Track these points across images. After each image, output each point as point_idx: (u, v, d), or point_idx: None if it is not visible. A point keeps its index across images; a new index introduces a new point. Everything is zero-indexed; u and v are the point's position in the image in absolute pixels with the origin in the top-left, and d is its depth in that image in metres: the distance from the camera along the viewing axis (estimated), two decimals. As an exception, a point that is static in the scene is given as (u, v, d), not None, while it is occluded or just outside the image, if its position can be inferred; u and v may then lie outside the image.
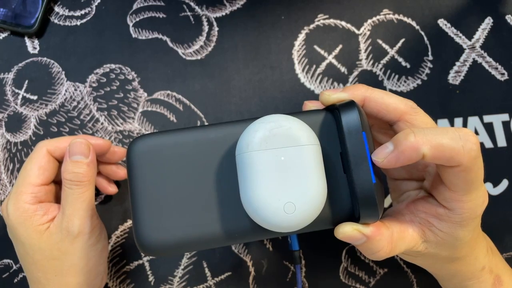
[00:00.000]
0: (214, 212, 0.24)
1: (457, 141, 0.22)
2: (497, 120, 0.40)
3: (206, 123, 0.39)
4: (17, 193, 0.31)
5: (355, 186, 0.23)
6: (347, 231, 0.24)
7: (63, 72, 0.40)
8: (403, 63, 0.40)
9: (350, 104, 0.24)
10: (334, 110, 0.25)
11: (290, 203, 0.22)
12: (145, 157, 0.24)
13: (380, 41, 0.41)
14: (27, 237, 0.30)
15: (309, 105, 0.28)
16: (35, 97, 0.39)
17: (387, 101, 0.26)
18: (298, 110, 0.30)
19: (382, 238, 0.24)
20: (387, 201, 0.37)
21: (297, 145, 0.22)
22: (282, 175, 0.22)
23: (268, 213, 0.22)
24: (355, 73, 0.40)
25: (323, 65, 0.40)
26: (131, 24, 0.41)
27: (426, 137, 0.22)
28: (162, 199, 0.24)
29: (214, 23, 0.41)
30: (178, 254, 0.22)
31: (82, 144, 0.31)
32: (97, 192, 0.38)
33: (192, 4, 0.41)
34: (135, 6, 0.41)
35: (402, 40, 0.41)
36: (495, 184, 0.38)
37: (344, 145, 0.24)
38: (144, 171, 0.24)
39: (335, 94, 0.26)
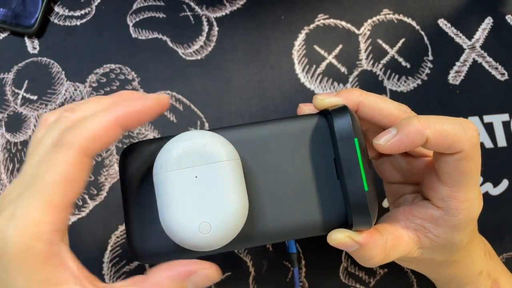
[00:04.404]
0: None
1: (459, 127, 0.23)
2: (497, 120, 0.39)
3: (206, 124, 0.39)
4: (31, 219, 0.18)
5: (348, 193, 0.23)
6: (339, 237, 0.24)
7: (63, 72, 0.40)
8: (403, 63, 0.40)
9: (342, 110, 0.24)
10: (327, 115, 0.25)
11: (206, 223, 0.21)
12: (138, 164, 0.24)
13: (380, 41, 0.41)
14: None
15: (304, 108, 0.27)
16: (35, 97, 0.39)
17: (381, 106, 0.26)
18: (297, 110, 0.30)
19: (375, 245, 0.24)
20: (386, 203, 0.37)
21: (212, 162, 0.21)
22: (196, 195, 0.21)
23: (183, 234, 0.21)
24: (355, 73, 0.40)
25: (323, 65, 0.40)
26: (131, 24, 0.41)
27: (429, 122, 0.23)
28: (155, 206, 0.23)
29: (214, 23, 0.41)
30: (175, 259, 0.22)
31: None
32: (98, 191, 0.38)
33: (192, 4, 0.41)
34: (135, 6, 0.41)
35: (402, 40, 0.41)
36: (495, 184, 0.38)
37: (336, 151, 0.23)
38: (137, 178, 0.24)
39: (329, 99, 0.25)
